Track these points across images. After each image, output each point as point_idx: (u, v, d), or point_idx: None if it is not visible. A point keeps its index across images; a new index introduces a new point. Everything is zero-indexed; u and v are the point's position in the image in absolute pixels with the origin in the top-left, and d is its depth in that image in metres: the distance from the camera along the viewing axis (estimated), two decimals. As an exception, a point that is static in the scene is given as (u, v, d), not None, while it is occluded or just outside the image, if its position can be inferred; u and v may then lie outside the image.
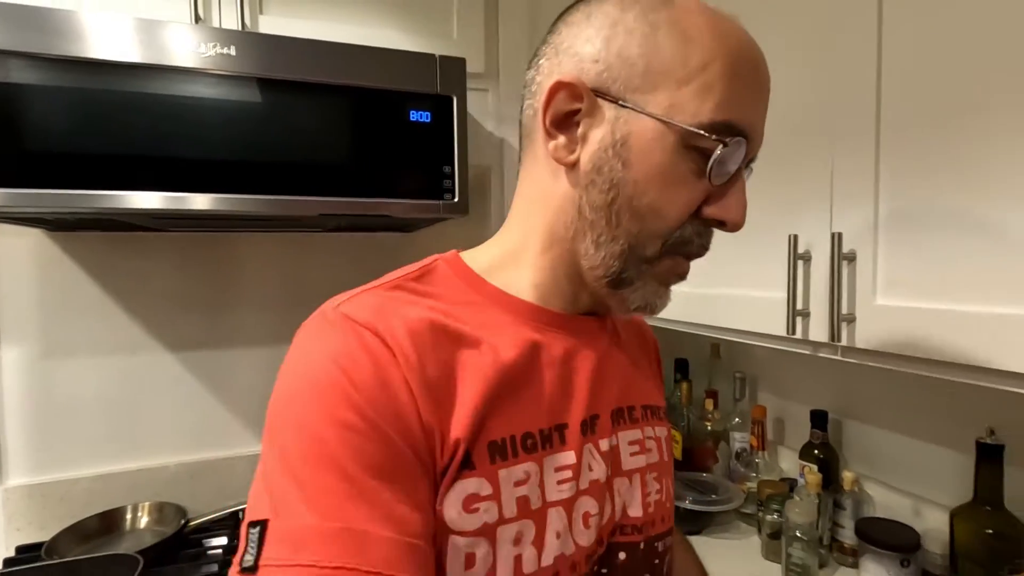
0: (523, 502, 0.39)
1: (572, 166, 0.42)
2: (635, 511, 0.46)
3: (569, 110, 0.42)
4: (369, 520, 0.34)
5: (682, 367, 1.40)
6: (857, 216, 0.69)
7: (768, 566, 1.01)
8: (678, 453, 1.32)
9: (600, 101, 0.41)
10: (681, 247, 0.42)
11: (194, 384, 1.24)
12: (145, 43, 0.82)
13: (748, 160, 0.43)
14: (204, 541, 1.11)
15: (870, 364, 0.69)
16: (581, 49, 0.41)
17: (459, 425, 0.38)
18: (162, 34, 0.83)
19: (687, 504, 1.11)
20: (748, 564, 1.02)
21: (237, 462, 1.26)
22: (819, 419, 1.07)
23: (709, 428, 1.26)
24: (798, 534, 0.96)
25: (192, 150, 0.86)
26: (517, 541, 0.39)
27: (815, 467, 1.02)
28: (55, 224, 1.03)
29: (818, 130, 0.74)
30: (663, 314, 0.90)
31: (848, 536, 0.99)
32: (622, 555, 0.45)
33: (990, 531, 0.78)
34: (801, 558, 0.96)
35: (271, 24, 1.03)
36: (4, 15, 0.77)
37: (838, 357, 0.73)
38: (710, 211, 0.41)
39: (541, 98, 0.42)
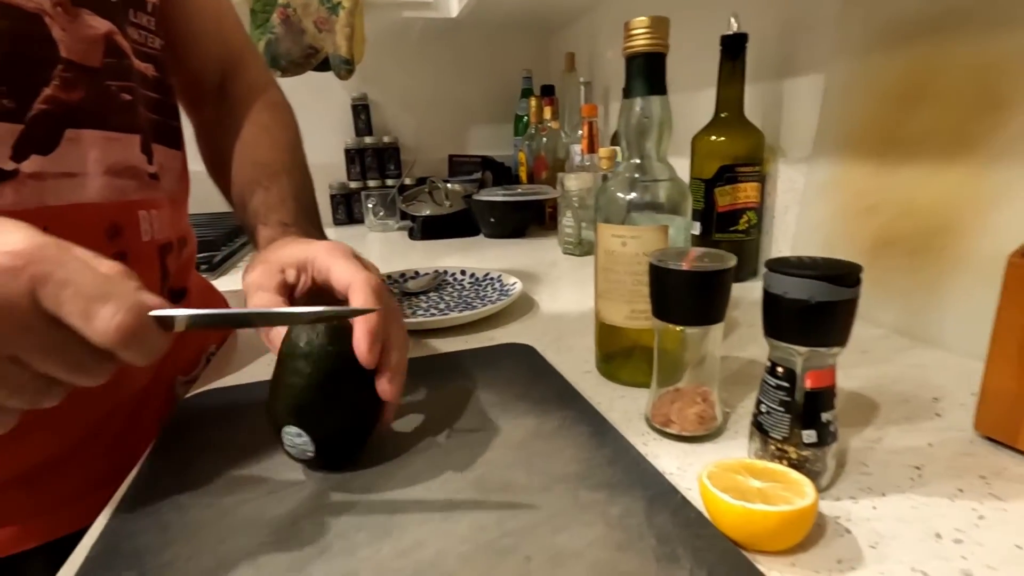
0: None
1: None
2: None
3: None
4: None
5: (548, 90, 1.27)
6: None
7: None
8: (523, 174, 1.23)
9: None
10: None
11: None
12: None
13: None
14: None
15: None
16: None
17: None
18: None
19: (501, 197, 1.04)
20: (552, 251, 0.95)
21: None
22: (631, 94, 0.93)
23: (545, 140, 1.14)
24: (574, 203, 0.88)
25: None
26: None
27: (614, 148, 0.91)
28: None
29: None
30: None
31: (637, 210, 0.90)
32: None
33: (723, 139, 0.67)
34: (571, 226, 0.89)
35: None
36: None
37: None
38: None
39: None
